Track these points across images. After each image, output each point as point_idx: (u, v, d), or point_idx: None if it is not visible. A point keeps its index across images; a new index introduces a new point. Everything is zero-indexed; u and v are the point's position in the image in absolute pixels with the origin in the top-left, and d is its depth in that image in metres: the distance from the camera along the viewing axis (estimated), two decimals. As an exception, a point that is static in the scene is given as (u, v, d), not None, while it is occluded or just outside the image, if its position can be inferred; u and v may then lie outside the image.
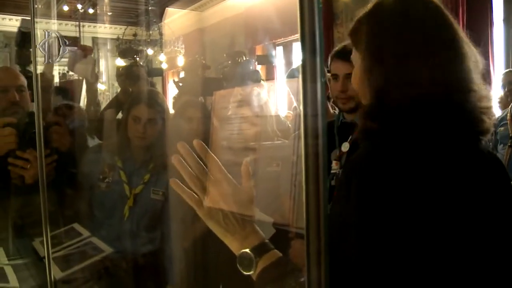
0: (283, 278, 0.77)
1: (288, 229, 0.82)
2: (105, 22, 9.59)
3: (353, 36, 0.94)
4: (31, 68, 2.23)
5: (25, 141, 1.64)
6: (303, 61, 0.42)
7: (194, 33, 9.10)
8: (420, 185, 0.75)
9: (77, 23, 9.01)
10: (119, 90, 3.54)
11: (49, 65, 2.40)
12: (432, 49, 0.83)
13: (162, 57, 8.64)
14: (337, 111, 2.12)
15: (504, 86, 3.95)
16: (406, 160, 0.77)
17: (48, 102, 2.31)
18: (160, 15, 8.78)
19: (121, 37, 8.86)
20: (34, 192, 1.37)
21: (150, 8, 8.39)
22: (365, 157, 0.81)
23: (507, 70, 4.16)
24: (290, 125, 0.79)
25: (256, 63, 6.78)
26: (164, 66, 8.77)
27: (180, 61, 8.49)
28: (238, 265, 0.82)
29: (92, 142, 2.40)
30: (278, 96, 0.89)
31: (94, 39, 10.42)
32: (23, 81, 1.92)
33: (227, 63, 5.76)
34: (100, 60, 10.47)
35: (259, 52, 7.59)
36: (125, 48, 8.24)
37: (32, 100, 1.75)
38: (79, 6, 8.63)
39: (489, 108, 0.85)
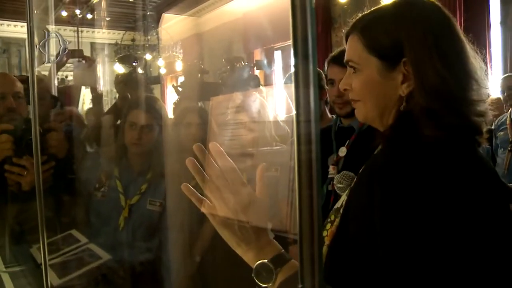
0: None
1: (286, 235, 0.80)
2: (103, 27, 9.60)
3: (371, 41, 0.89)
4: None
5: (22, 148, 1.63)
6: (296, 66, 0.42)
7: (192, 38, 9.11)
8: (443, 192, 0.73)
9: (75, 28, 9.02)
10: (117, 96, 3.55)
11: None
12: (450, 57, 0.83)
13: (160, 62, 8.65)
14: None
15: (503, 91, 3.94)
16: (429, 168, 0.75)
17: (45, 107, 2.31)
18: (158, 20, 8.80)
19: (119, 42, 8.87)
20: (31, 199, 1.36)
21: (148, 13, 8.40)
22: (391, 165, 0.78)
23: (506, 75, 4.16)
24: (289, 130, 0.78)
25: (255, 68, 6.80)
26: (163, 71, 8.78)
27: (179, 66, 8.50)
28: (254, 277, 0.78)
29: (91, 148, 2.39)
30: (277, 101, 0.88)
31: (92, 44, 10.42)
32: (20, 87, 1.92)
33: (226, 68, 5.77)
34: (98, 65, 10.46)
35: (257, 57, 7.61)
36: (123, 56, 8.26)
37: (29, 103, 1.75)
38: (78, 12, 8.65)
39: (486, 112, 0.85)
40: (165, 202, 1.88)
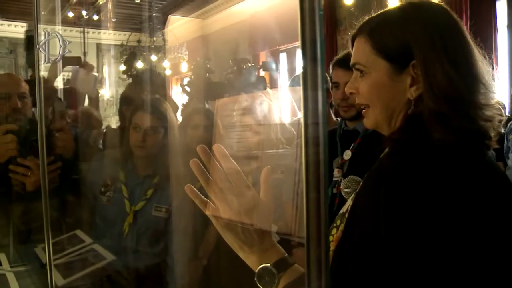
0: None
1: (291, 238, 0.80)
2: (109, 28, 9.63)
3: (379, 43, 0.88)
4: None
5: (26, 148, 1.64)
6: (304, 69, 0.42)
7: (197, 39, 9.13)
8: (452, 196, 0.73)
9: (82, 29, 9.05)
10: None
11: (53, 70, 2.41)
12: (460, 61, 0.83)
13: (166, 63, 8.68)
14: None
15: None
16: (438, 172, 0.74)
17: (52, 107, 2.32)
18: (164, 22, 8.82)
19: (125, 43, 8.90)
20: (36, 199, 1.37)
21: (154, 14, 8.43)
22: (399, 168, 0.77)
23: None
24: (295, 132, 0.77)
25: (261, 69, 6.80)
26: (168, 72, 8.80)
27: (184, 67, 8.52)
28: (256, 281, 0.77)
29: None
30: (283, 103, 0.88)
31: (98, 45, 10.46)
32: (26, 88, 1.92)
33: (232, 69, 5.76)
34: (104, 66, 10.51)
35: (262, 58, 7.61)
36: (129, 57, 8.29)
37: (35, 105, 1.75)
38: (84, 13, 8.68)
39: (494, 117, 0.84)
40: (170, 207, 1.83)
